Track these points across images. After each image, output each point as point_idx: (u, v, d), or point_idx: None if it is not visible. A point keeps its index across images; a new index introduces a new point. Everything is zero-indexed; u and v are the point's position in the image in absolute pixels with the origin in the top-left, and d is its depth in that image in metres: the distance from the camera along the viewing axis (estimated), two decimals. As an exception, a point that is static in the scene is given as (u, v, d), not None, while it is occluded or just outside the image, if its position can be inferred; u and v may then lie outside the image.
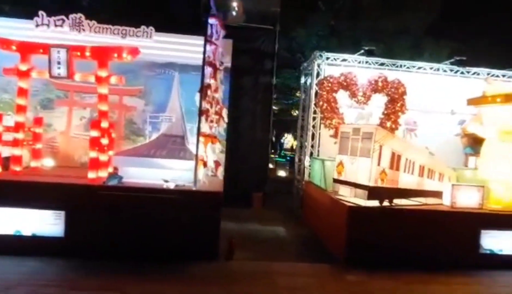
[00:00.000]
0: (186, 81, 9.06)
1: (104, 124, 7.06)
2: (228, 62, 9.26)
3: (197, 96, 6.65)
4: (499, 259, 6.44)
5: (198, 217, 5.89)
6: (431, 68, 10.01)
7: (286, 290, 5.01)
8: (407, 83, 9.57)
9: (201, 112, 6.78)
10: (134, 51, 7.26)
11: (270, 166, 19.67)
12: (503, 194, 7.34)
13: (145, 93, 9.06)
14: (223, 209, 9.27)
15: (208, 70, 6.82)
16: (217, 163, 8.44)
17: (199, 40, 7.95)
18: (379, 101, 9.35)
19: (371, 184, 6.16)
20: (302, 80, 11.15)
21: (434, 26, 14.81)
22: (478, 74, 10.14)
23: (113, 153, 7.49)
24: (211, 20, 6.77)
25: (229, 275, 5.44)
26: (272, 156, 22.10)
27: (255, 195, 10.91)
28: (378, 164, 6.22)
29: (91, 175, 6.62)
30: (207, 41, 6.88)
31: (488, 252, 6.45)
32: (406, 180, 6.79)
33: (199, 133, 6.35)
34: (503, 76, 10.18)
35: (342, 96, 9.38)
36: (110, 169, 7.44)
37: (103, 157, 7.00)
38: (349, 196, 6.58)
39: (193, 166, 7.45)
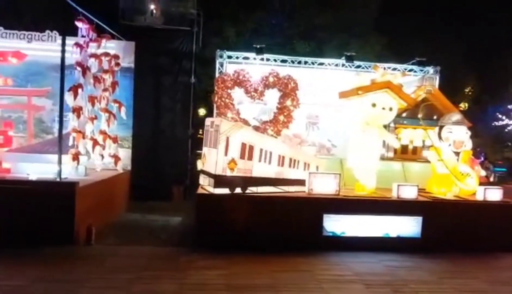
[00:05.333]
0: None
1: (-8, 123, 7.75)
2: (130, 63, 9.87)
3: (66, 95, 7.28)
4: (340, 241, 6.87)
5: (53, 205, 6.47)
6: (331, 64, 10.45)
7: (104, 269, 5.55)
8: (309, 79, 10.03)
9: (73, 110, 7.44)
10: (18, 55, 7.93)
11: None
12: (365, 181, 7.77)
13: (53, 94, 9.69)
14: (146, 202, 10.27)
15: (78, 70, 7.45)
16: (116, 158, 9.07)
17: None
18: (276, 96, 9.79)
19: (218, 173, 6.67)
20: (217, 78, 11.68)
21: (368, 23, 15.19)
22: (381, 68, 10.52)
23: (6, 150, 8.19)
24: (79, 24, 7.36)
25: (67, 257, 5.97)
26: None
27: (175, 188, 11.49)
28: (226, 154, 6.70)
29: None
30: (76, 44, 7.54)
31: (330, 234, 6.89)
32: (263, 170, 7.25)
33: (61, 129, 6.94)
34: (405, 69, 10.56)
35: (242, 93, 9.88)
36: (8, 165, 8.20)
37: (-8, 153, 7.70)
38: (206, 185, 7.10)
39: (82, 161, 8.19)
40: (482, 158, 17.88)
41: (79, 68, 7.46)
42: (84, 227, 6.77)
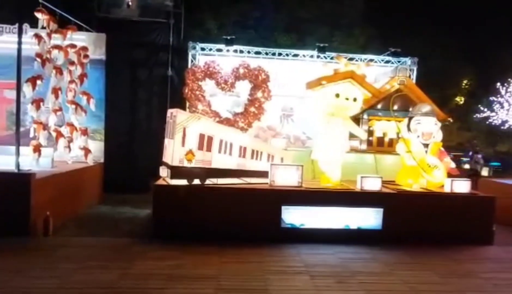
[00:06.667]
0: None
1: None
2: (101, 55, 9.80)
3: (24, 86, 7.27)
4: (299, 233, 6.79)
5: (9, 197, 6.43)
6: (305, 55, 10.31)
7: (51, 259, 5.52)
8: (283, 71, 9.92)
9: (32, 101, 7.42)
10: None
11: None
12: (331, 173, 7.66)
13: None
14: (121, 194, 10.25)
15: (38, 61, 7.42)
16: (86, 150, 9.05)
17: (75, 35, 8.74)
18: (248, 88, 9.70)
19: (175, 164, 6.60)
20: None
21: (354, 16, 14.96)
22: (357, 60, 10.38)
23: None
24: (38, 15, 7.31)
25: (18, 248, 5.92)
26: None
27: (151, 181, 11.43)
28: (183, 145, 6.63)
29: None
30: (36, 35, 7.50)
31: (289, 226, 6.81)
32: (223, 161, 7.17)
33: (18, 121, 6.91)
34: (382, 60, 10.41)
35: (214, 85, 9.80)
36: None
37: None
38: (165, 176, 7.05)
39: (50, 153, 8.19)
40: (471, 152, 17.60)
41: (38, 59, 7.43)
42: (41, 218, 6.76)
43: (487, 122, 15.87)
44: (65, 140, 8.20)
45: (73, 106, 8.52)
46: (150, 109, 11.54)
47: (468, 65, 21.13)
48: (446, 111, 19.49)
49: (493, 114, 15.50)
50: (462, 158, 19.15)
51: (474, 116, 15.87)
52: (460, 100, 24.64)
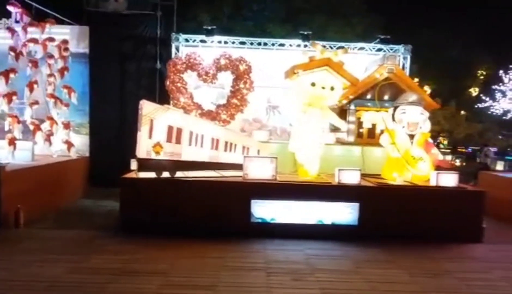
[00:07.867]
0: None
1: None
2: (85, 48, 9.75)
3: (-3, 80, 7.28)
4: (270, 227, 6.51)
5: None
6: (292, 45, 9.95)
7: (8, 251, 5.48)
8: (269, 61, 9.62)
9: (4, 95, 7.41)
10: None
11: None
12: (308, 165, 7.34)
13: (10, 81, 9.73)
14: (107, 188, 10.20)
15: (12, 55, 7.40)
16: (69, 144, 9.04)
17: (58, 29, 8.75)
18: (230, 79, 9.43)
19: (142, 156, 6.45)
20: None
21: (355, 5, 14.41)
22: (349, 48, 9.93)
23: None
24: (10, 8, 7.29)
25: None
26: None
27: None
28: (150, 137, 6.46)
29: None
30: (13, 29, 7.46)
31: (259, 220, 6.55)
32: (194, 153, 6.97)
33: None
34: (373, 48, 9.94)
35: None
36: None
37: None
38: (135, 169, 6.90)
39: (29, 146, 8.21)
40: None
41: (12, 53, 7.42)
42: (13, 210, 6.75)
43: (489, 112, 15.05)
44: (43, 134, 8.18)
45: (53, 100, 8.50)
46: (138, 102, 11.37)
47: (485, 55, 20.21)
48: (456, 101, 18.68)
49: (495, 103, 14.66)
50: (479, 152, 18.34)
51: (476, 106, 15.05)
52: (474, 91, 23.65)
